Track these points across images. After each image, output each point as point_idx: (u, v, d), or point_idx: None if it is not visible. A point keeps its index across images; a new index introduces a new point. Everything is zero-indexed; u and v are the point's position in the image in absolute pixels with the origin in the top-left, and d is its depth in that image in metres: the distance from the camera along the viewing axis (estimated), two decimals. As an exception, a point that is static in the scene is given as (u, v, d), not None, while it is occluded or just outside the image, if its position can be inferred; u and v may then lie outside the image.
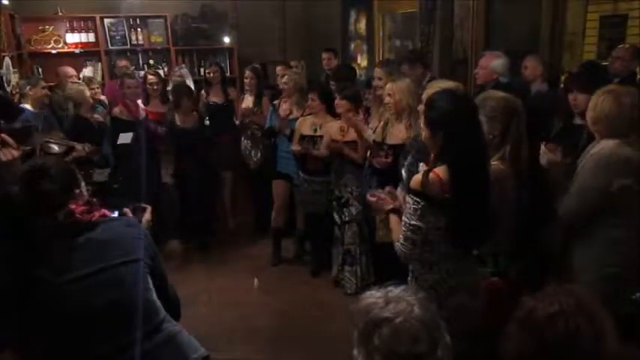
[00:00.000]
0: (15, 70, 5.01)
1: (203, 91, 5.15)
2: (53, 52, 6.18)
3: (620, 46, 3.81)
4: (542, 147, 2.65)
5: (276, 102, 4.68)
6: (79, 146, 3.53)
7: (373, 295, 1.26)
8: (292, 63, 5.54)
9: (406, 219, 2.02)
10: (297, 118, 4.34)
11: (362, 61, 6.85)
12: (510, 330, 1.27)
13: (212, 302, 4.03)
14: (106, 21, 6.35)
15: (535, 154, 2.66)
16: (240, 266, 4.66)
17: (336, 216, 4.08)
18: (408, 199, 2.03)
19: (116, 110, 4.67)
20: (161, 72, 6.29)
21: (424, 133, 2.08)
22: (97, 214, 1.67)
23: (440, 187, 1.94)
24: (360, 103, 4.07)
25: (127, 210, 2.00)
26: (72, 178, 1.69)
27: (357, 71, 6.04)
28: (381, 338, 1.17)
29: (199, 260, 4.80)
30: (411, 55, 4.64)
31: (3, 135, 2.38)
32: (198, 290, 4.20)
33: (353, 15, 6.95)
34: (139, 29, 6.45)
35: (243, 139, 4.94)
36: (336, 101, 3.92)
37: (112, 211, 1.91)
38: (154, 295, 1.71)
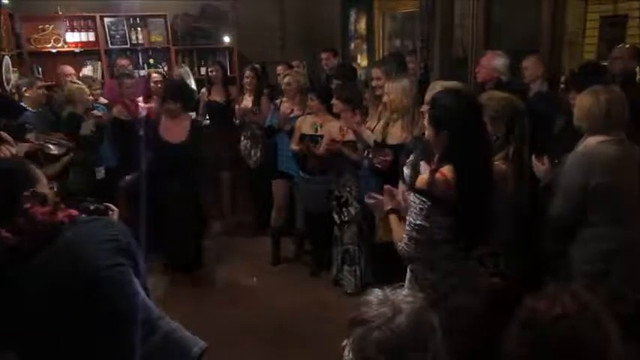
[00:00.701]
0: (14, 69, 5.01)
1: (204, 90, 5.15)
2: (53, 51, 6.18)
3: (619, 46, 3.81)
4: (533, 158, 2.66)
5: (277, 101, 4.68)
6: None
7: (375, 294, 1.25)
8: (294, 63, 5.54)
9: (411, 219, 2.01)
10: (298, 117, 4.34)
11: (362, 60, 6.84)
12: (512, 332, 1.25)
13: (211, 301, 4.03)
14: (106, 20, 6.35)
15: (536, 154, 2.66)
16: (239, 265, 4.66)
17: (335, 216, 4.08)
18: (412, 198, 2.02)
19: (115, 110, 4.67)
20: (161, 71, 6.32)
21: (428, 132, 2.08)
22: (61, 214, 1.50)
23: (446, 186, 1.94)
24: (360, 103, 4.07)
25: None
26: (28, 177, 1.50)
27: (358, 71, 6.04)
28: (354, 338, 1.19)
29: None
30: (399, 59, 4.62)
31: (1, 132, 2.36)
32: (197, 289, 4.20)
33: (353, 15, 6.94)
34: (139, 28, 6.44)
35: (242, 138, 4.94)
36: (332, 101, 3.94)
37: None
38: (144, 296, 1.61)
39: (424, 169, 2.24)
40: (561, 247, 2.53)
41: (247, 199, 5.43)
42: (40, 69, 6.12)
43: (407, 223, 2.04)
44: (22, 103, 4.13)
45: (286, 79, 4.54)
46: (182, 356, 1.66)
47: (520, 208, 2.39)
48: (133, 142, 4.40)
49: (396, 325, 1.15)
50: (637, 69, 3.73)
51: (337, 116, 4.01)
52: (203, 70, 6.51)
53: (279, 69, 5.42)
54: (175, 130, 4.16)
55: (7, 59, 4.80)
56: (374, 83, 4.05)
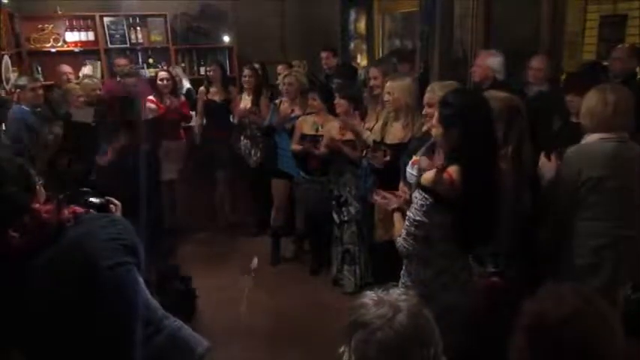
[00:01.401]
0: (14, 68, 5.01)
1: (203, 88, 5.14)
2: (52, 50, 6.17)
3: (619, 46, 3.80)
4: (542, 157, 2.67)
5: (277, 101, 4.68)
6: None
7: (369, 295, 1.25)
8: (294, 63, 5.53)
9: (411, 214, 2.02)
10: (298, 117, 4.34)
11: (362, 60, 6.84)
12: (520, 340, 1.21)
13: (211, 301, 4.02)
14: (106, 20, 6.34)
15: (536, 154, 2.66)
16: (239, 265, 4.65)
17: (335, 215, 4.08)
18: (416, 194, 2.03)
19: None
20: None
21: (437, 131, 2.08)
22: (66, 212, 1.51)
23: (450, 186, 1.95)
24: (361, 102, 4.07)
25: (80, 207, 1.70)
26: (29, 176, 1.48)
27: (358, 70, 6.03)
28: (355, 341, 1.18)
29: (198, 259, 4.79)
30: (401, 55, 4.63)
31: None
32: (196, 289, 4.20)
33: (353, 14, 6.94)
34: (138, 28, 6.44)
35: (242, 138, 4.94)
36: (336, 100, 3.93)
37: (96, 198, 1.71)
38: (148, 295, 1.61)
39: (426, 163, 2.25)
40: (559, 246, 2.54)
41: (247, 199, 5.43)
42: (39, 68, 6.11)
43: (407, 218, 2.05)
44: (21, 102, 4.13)
45: (287, 80, 4.52)
46: (186, 356, 1.66)
47: (519, 207, 2.39)
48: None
49: (397, 324, 1.16)
50: (637, 69, 3.73)
51: (337, 116, 4.01)
52: (203, 70, 6.52)
53: (280, 68, 5.42)
54: None
55: (6, 59, 4.79)
56: (372, 83, 4.05)
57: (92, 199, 1.78)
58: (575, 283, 2.13)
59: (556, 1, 4.20)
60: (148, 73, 6.16)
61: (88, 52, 6.34)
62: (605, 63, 3.84)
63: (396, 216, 2.24)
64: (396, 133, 3.47)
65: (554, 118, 3.34)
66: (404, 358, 1.15)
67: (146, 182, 3.41)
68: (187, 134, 5.18)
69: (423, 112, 2.90)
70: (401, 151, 3.18)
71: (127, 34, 6.41)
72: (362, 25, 6.78)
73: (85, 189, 1.84)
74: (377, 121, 3.75)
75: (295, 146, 4.22)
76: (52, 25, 6.18)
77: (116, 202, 1.88)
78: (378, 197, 2.39)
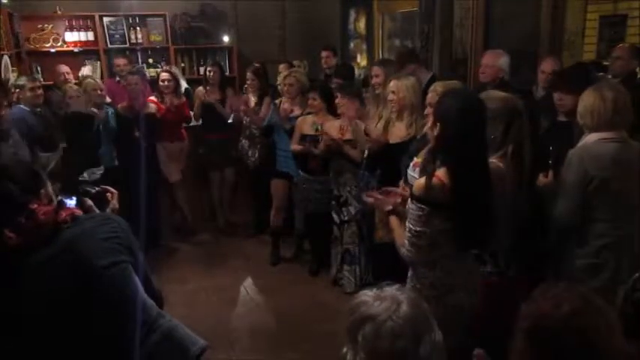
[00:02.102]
0: (14, 68, 5.01)
1: (201, 88, 5.14)
2: (52, 50, 6.17)
3: (620, 45, 3.79)
4: (541, 177, 2.64)
5: (277, 101, 4.67)
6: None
7: (366, 294, 1.27)
8: (295, 62, 5.53)
9: (410, 225, 2.01)
10: (298, 117, 4.33)
11: (361, 60, 6.84)
12: (520, 343, 1.21)
13: (210, 301, 4.02)
14: (105, 20, 6.34)
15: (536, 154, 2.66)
16: (238, 265, 4.66)
17: (335, 215, 4.08)
18: (411, 204, 2.02)
19: (120, 107, 4.67)
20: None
21: (430, 129, 2.08)
22: (64, 213, 1.52)
23: (443, 190, 1.94)
24: (362, 101, 4.07)
25: (87, 201, 1.72)
26: (35, 178, 1.52)
27: (357, 70, 6.03)
28: (364, 335, 1.19)
29: (198, 259, 4.79)
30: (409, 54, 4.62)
31: None
32: (196, 289, 4.20)
33: (352, 14, 6.94)
34: (138, 28, 6.43)
35: (241, 138, 4.94)
36: (338, 99, 3.93)
37: (70, 198, 1.71)
38: (143, 294, 1.60)
39: (414, 166, 2.24)
40: (561, 247, 2.54)
41: (246, 199, 5.43)
42: (39, 68, 6.11)
43: (407, 229, 2.03)
44: (20, 102, 4.12)
45: (288, 80, 4.51)
46: (181, 355, 1.65)
47: (519, 207, 2.39)
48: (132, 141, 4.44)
49: (403, 313, 1.19)
50: (637, 69, 3.72)
51: (337, 116, 4.01)
52: (202, 70, 6.51)
53: (281, 67, 5.41)
54: None
55: (6, 58, 4.78)
56: (374, 81, 4.04)
57: (88, 188, 1.80)
58: (576, 283, 2.14)
59: (556, 1, 4.20)
60: (148, 73, 6.16)
61: (87, 52, 6.34)
62: (606, 63, 3.83)
63: (393, 220, 2.22)
64: (398, 132, 3.47)
65: (542, 118, 3.33)
66: (416, 344, 1.17)
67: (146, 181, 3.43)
68: (189, 135, 5.18)
69: (425, 112, 2.90)
70: (403, 151, 3.17)
71: (126, 34, 6.41)
72: (362, 25, 6.78)
73: (81, 178, 1.85)
74: (379, 120, 3.74)
75: (295, 146, 4.22)
76: (51, 25, 6.18)
77: (112, 190, 1.88)
78: (371, 199, 2.38)
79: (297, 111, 4.43)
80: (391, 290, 1.27)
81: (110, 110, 4.66)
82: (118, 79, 5.51)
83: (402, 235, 2.09)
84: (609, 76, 3.64)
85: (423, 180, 2.00)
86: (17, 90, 4.12)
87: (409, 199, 2.04)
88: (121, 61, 5.49)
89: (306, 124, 4.19)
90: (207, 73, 5.14)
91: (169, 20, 6.51)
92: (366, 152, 3.67)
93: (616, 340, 1.16)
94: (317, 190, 4.19)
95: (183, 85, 5.41)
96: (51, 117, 4.23)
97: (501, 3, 4.65)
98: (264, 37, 6.74)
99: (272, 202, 4.63)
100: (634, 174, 2.43)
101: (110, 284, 1.48)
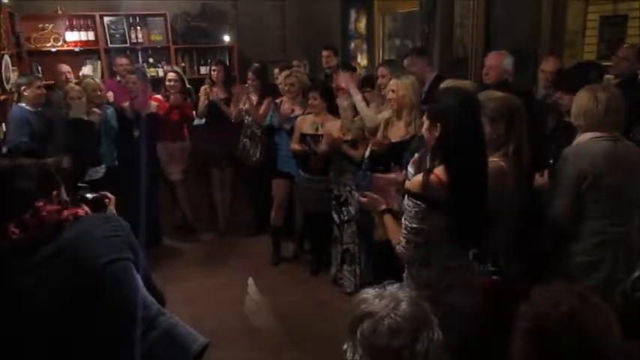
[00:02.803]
0: (14, 68, 5.01)
1: (207, 86, 5.13)
2: (53, 50, 6.16)
3: (625, 45, 3.77)
4: (537, 176, 2.69)
5: (277, 101, 4.67)
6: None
7: (367, 292, 1.29)
8: (294, 62, 5.53)
9: (407, 222, 2.00)
10: (298, 117, 4.34)
11: (362, 60, 6.84)
12: (519, 344, 1.21)
13: (211, 301, 4.03)
14: (106, 19, 6.34)
15: (536, 154, 2.67)
16: (239, 265, 4.66)
17: (335, 215, 4.08)
18: (407, 202, 2.01)
19: (120, 107, 4.68)
20: (160, 70, 6.32)
21: (424, 127, 2.08)
22: (66, 212, 1.54)
23: (440, 187, 1.94)
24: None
25: (83, 208, 1.71)
26: (50, 180, 1.56)
27: (358, 70, 6.02)
28: (362, 332, 1.21)
29: (198, 259, 4.80)
30: (419, 49, 4.62)
31: None
32: (197, 288, 4.21)
33: (353, 14, 6.94)
34: (138, 27, 6.43)
35: (242, 137, 4.94)
36: (338, 74, 3.96)
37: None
38: (144, 291, 1.61)
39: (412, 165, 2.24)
40: (559, 245, 2.55)
41: (247, 199, 5.43)
42: (39, 68, 6.11)
43: (403, 227, 2.03)
44: (21, 102, 4.12)
45: (289, 79, 4.51)
46: (182, 352, 1.65)
47: (519, 206, 2.39)
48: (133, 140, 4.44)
49: (402, 311, 1.21)
50: (638, 70, 3.71)
51: (338, 116, 4.01)
52: (203, 70, 6.51)
53: (276, 71, 5.40)
54: None
55: (6, 58, 4.78)
56: (379, 81, 4.05)
57: (86, 194, 1.81)
58: (574, 281, 2.14)
59: (556, 1, 4.20)
60: (149, 73, 6.15)
61: (88, 52, 6.33)
62: (608, 63, 3.82)
63: (387, 218, 2.20)
64: (397, 131, 3.47)
65: (549, 118, 3.34)
66: (414, 341, 1.18)
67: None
68: (191, 134, 5.18)
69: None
70: (403, 149, 3.17)
71: (127, 34, 6.41)
72: (362, 25, 6.78)
73: (81, 184, 1.87)
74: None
75: (295, 146, 4.22)
76: (52, 25, 6.17)
77: (110, 195, 1.90)
78: (365, 199, 2.38)
79: (297, 111, 4.44)
80: (392, 289, 1.29)
81: (111, 109, 4.66)
82: (119, 78, 5.51)
83: (397, 233, 2.09)
84: (611, 76, 3.64)
85: (419, 177, 2.00)
86: (22, 88, 4.12)
87: (406, 196, 2.04)
88: (123, 61, 5.48)
89: (306, 124, 4.19)
90: (212, 72, 5.14)
91: (170, 20, 6.51)
92: (368, 152, 3.67)
93: (614, 337, 1.17)
94: (317, 190, 4.19)
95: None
96: (54, 117, 4.23)
97: (502, 3, 4.65)
98: (265, 37, 6.74)
99: (272, 201, 4.64)
100: (627, 171, 2.44)
101: (111, 281, 1.50)
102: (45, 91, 4.27)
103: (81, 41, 6.28)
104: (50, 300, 1.45)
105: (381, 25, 6.41)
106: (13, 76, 4.83)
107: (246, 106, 4.78)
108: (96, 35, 6.29)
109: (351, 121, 3.89)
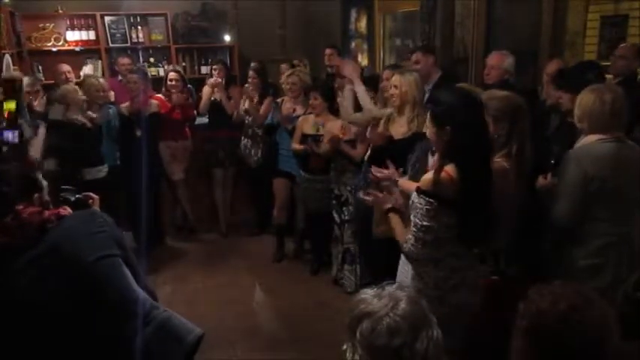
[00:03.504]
0: (15, 67, 5.01)
1: (211, 80, 5.11)
2: (53, 49, 6.17)
3: (623, 44, 3.77)
4: (540, 179, 2.67)
5: (278, 100, 4.67)
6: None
7: (367, 292, 1.30)
8: (295, 62, 5.52)
9: (417, 220, 2.00)
10: (300, 117, 4.33)
11: (362, 60, 6.84)
12: (519, 342, 1.22)
13: (211, 300, 4.03)
14: (107, 19, 6.34)
15: (537, 153, 2.67)
16: (239, 264, 4.66)
17: (335, 215, 4.08)
18: (417, 199, 2.01)
19: (122, 106, 4.68)
20: (161, 70, 6.32)
21: (429, 130, 2.07)
22: (47, 213, 1.55)
23: (452, 185, 1.94)
24: None
25: (65, 208, 1.70)
26: (31, 183, 1.58)
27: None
28: (362, 332, 1.21)
29: (199, 258, 4.80)
30: (426, 46, 4.61)
31: None
32: (197, 288, 4.21)
33: (353, 14, 6.94)
34: (139, 27, 6.44)
35: (242, 137, 4.94)
36: (338, 62, 3.95)
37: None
38: (135, 286, 1.60)
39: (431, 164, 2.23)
40: (562, 247, 2.54)
41: (248, 198, 5.44)
42: (40, 67, 6.12)
43: (412, 224, 2.03)
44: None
45: (291, 79, 4.49)
46: (178, 344, 1.64)
47: (520, 206, 2.39)
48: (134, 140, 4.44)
49: (401, 310, 1.21)
50: (638, 69, 3.71)
51: (338, 116, 4.01)
52: (204, 69, 6.52)
53: (283, 67, 5.40)
54: None
55: (7, 58, 4.78)
56: (383, 83, 4.04)
57: (67, 196, 1.80)
58: (577, 283, 2.14)
59: (557, 1, 4.20)
60: (150, 72, 6.15)
61: (88, 52, 6.35)
62: (607, 63, 3.82)
63: (392, 217, 2.21)
64: (399, 128, 3.46)
65: (552, 118, 3.34)
66: (413, 340, 1.18)
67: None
68: (193, 134, 5.19)
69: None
70: (405, 146, 3.17)
71: (127, 33, 6.42)
72: (363, 25, 6.78)
73: (65, 187, 1.86)
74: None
75: (296, 145, 4.22)
76: (53, 24, 6.18)
77: (94, 195, 1.89)
78: (369, 197, 2.38)
79: (299, 110, 4.43)
80: (391, 289, 1.29)
81: (112, 109, 4.66)
82: (120, 78, 5.51)
83: (404, 232, 2.09)
84: (611, 76, 3.64)
85: (430, 175, 2.00)
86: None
87: (415, 194, 2.04)
88: (125, 61, 5.48)
89: (308, 124, 4.19)
90: (214, 71, 5.14)
91: (170, 19, 6.52)
92: (369, 151, 3.67)
93: (614, 335, 1.17)
94: (318, 190, 4.19)
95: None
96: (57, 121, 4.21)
97: (502, 3, 4.65)
98: (265, 37, 6.74)
99: (274, 201, 4.64)
100: (633, 173, 2.43)
101: (101, 278, 1.49)
102: (43, 91, 4.26)
103: (82, 41, 6.29)
104: (39, 300, 1.45)
105: (381, 25, 6.41)
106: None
107: (247, 106, 4.79)
108: (97, 35, 6.31)
109: (351, 114, 3.83)
